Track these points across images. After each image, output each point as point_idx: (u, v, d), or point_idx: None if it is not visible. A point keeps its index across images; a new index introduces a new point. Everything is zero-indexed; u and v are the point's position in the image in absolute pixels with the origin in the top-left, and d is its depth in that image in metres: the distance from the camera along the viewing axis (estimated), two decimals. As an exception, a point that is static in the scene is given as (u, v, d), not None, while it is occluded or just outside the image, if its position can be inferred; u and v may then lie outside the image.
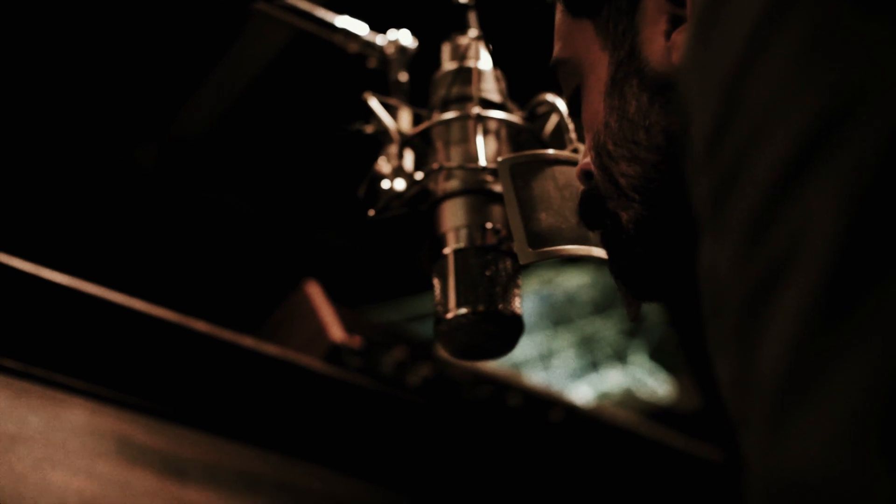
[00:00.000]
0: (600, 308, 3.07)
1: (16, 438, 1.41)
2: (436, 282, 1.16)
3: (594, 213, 1.04)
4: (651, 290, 1.03)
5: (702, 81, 0.64)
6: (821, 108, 0.57)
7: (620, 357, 2.99)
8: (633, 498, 2.05)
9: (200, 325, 1.57)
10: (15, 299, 1.45)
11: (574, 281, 3.11)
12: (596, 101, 1.01)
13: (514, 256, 1.15)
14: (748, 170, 0.59)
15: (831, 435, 0.54)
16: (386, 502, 1.74)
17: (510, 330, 1.14)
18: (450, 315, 1.13)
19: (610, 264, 1.04)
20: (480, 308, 1.12)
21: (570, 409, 1.97)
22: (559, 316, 3.08)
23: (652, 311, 2.97)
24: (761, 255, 0.58)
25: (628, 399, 2.87)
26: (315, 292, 1.81)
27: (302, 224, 2.56)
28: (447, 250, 1.16)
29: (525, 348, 3.01)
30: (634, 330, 3.00)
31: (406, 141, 1.26)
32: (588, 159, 1.03)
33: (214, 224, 2.42)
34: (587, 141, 1.03)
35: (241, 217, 2.46)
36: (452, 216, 1.18)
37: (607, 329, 3.04)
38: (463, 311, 1.12)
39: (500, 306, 1.13)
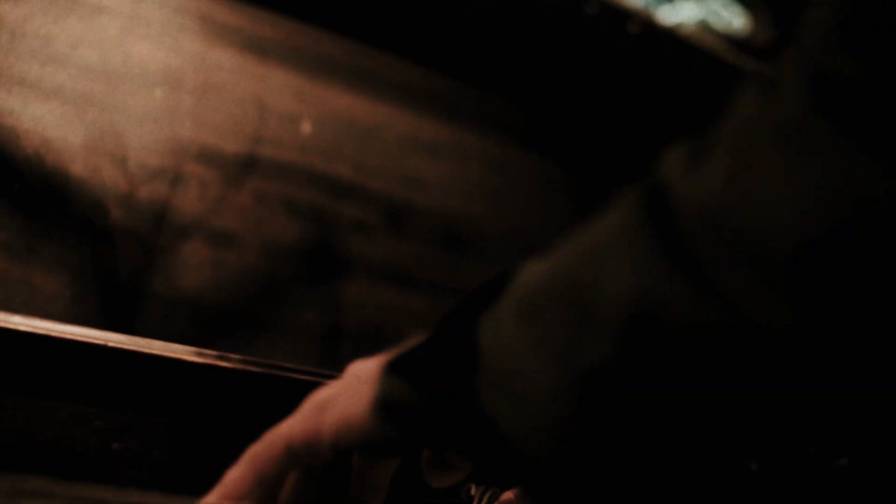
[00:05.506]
0: (679, -62, 2.99)
1: (99, 8, 1.42)
2: None
3: None
4: None
5: None
6: None
7: (697, -12, 2.93)
8: (706, 119, 2.05)
9: None
10: None
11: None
12: None
13: None
14: None
15: None
16: (457, 94, 1.75)
17: None
18: None
19: None
20: None
21: (649, 24, 1.95)
22: (637, -55, 3.01)
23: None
24: None
25: (703, 30, 2.83)
26: None
27: None
28: None
29: (600, -23, 2.96)
30: (713, -38, 2.93)
31: None
32: None
33: None
34: None
35: None
36: None
37: (685, -40, 2.97)
38: None
39: None
